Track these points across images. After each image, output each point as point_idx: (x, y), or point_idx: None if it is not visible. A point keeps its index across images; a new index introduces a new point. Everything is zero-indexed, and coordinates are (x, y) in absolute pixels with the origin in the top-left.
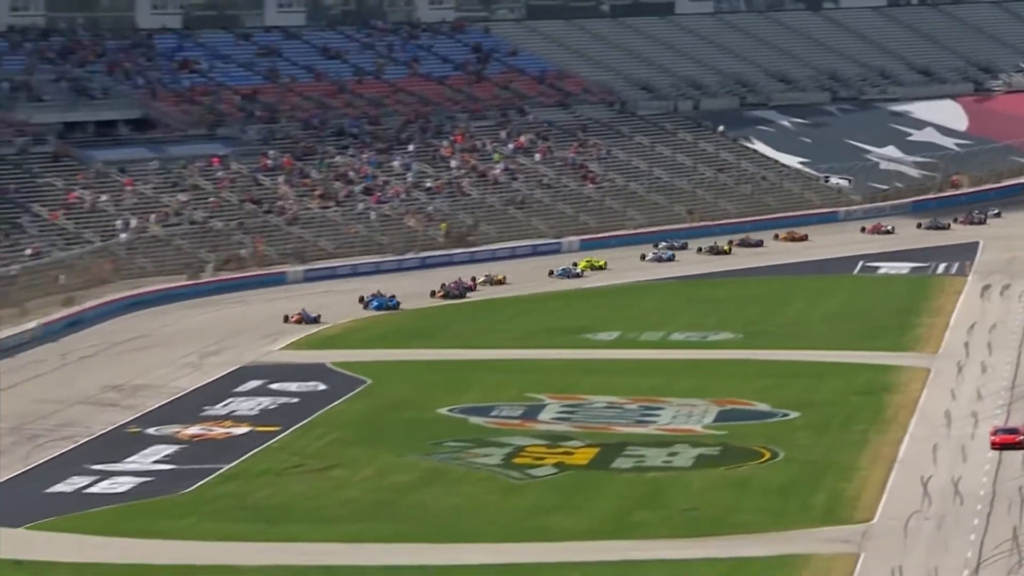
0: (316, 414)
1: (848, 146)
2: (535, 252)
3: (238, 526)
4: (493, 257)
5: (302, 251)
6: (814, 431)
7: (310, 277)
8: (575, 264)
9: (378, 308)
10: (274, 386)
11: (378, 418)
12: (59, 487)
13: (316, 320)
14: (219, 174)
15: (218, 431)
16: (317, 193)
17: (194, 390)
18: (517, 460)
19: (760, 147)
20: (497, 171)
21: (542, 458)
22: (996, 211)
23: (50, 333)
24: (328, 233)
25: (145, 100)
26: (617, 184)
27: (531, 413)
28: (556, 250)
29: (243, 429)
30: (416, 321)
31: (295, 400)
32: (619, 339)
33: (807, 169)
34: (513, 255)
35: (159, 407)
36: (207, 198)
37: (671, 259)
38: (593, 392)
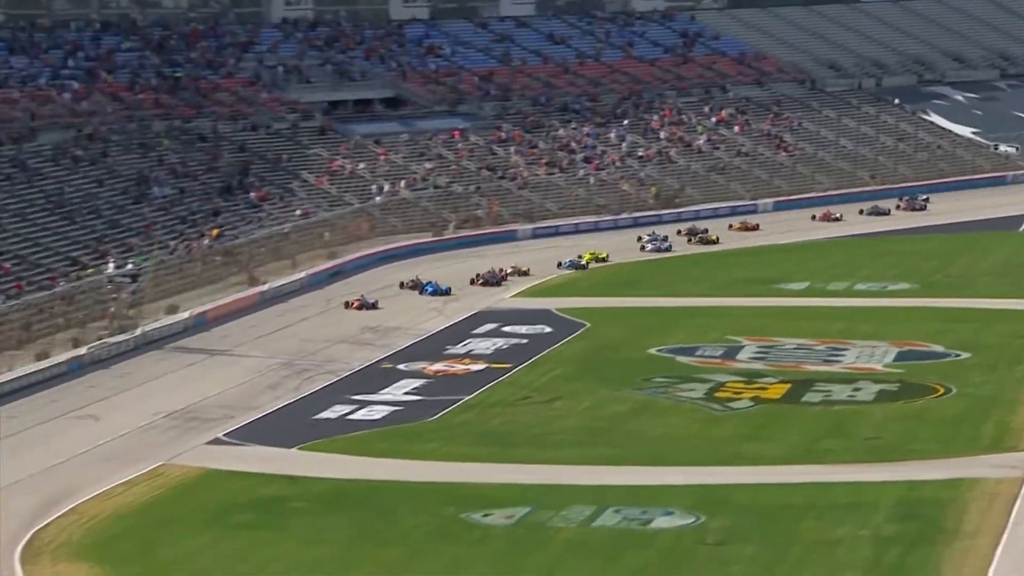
0: (542, 353)
1: (1015, 118)
2: (734, 212)
3: (475, 449)
4: (697, 216)
5: (530, 211)
6: (983, 369)
7: (537, 234)
8: (580, 256)
9: (433, 293)
10: (506, 328)
11: (595, 357)
12: (325, 414)
13: (374, 305)
14: (459, 145)
15: (458, 367)
16: (544, 161)
17: (438, 332)
18: (718, 394)
19: (936, 119)
20: (701, 141)
21: (740, 393)
22: (924, 197)
23: (316, 282)
24: (553, 196)
25: (397, 81)
26: (807, 152)
27: (730, 353)
28: (752, 210)
29: (480, 366)
30: (627, 273)
31: (524, 341)
32: (808, 288)
33: (978, 138)
34: (715, 215)
35: (408, 346)
36: (449, 166)
37: (668, 249)
38: (785, 335)
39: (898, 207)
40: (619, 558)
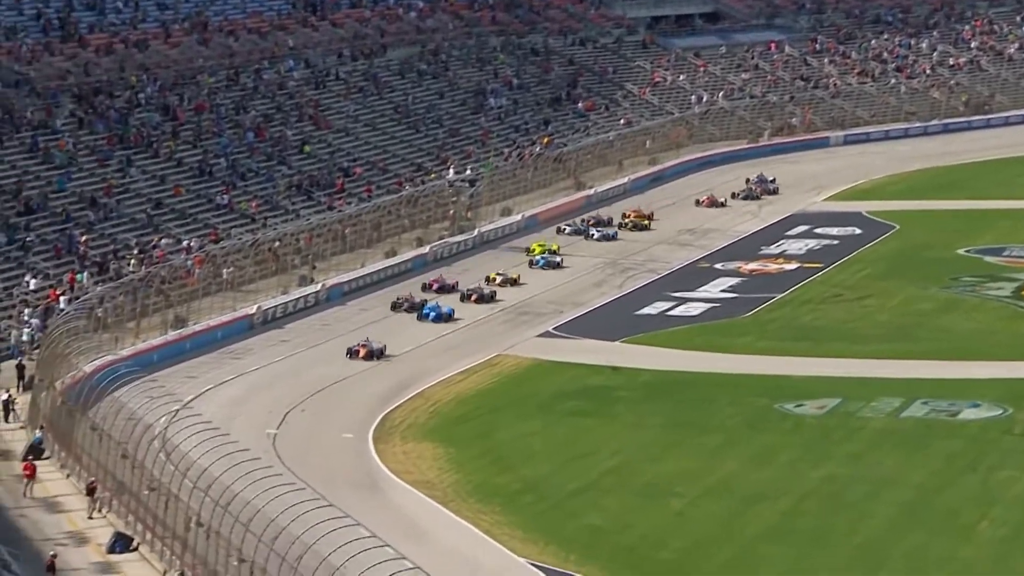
0: (852, 253)
1: None
2: None
3: (787, 344)
4: (1006, 123)
5: (842, 119)
6: None
7: (848, 141)
8: (527, 249)
9: (435, 320)
10: (818, 230)
11: (905, 257)
12: (646, 310)
13: (382, 353)
14: (775, 57)
15: (772, 267)
16: (856, 71)
17: (753, 233)
18: None
19: None
20: (1011, 50)
21: None
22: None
23: (638, 187)
24: (864, 104)
25: None
26: None
27: None
28: None
29: (792, 266)
30: (938, 177)
31: (835, 242)
32: None
33: None
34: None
35: (724, 247)
36: (765, 76)
37: (615, 237)
38: None
39: None
40: (927, 447)
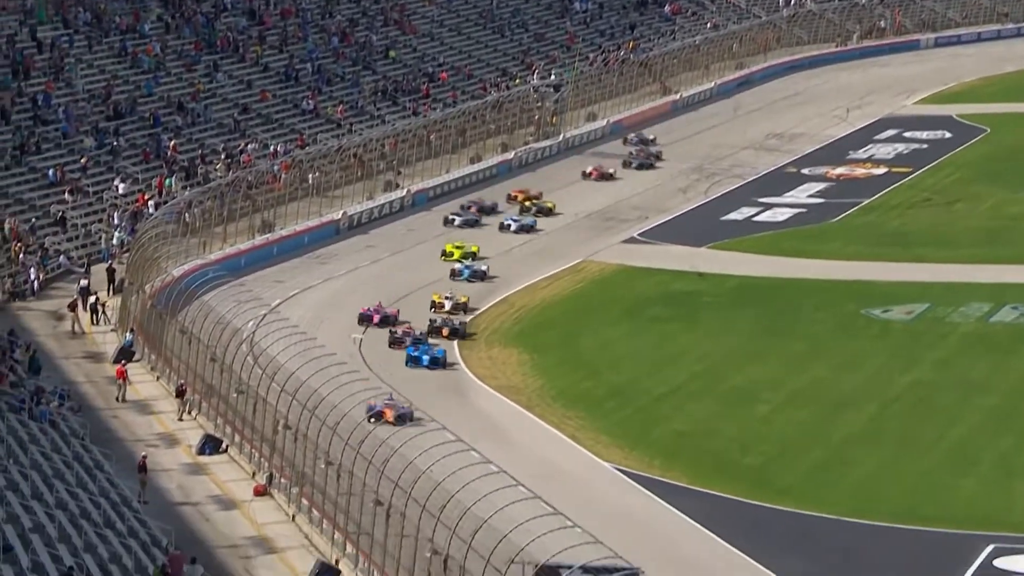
0: (942, 157)
1: None
2: None
3: (875, 249)
4: None
5: (933, 21)
6: None
7: (939, 43)
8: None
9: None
10: (907, 134)
11: (996, 160)
12: (732, 215)
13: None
14: None
15: (860, 171)
16: None
17: (841, 137)
18: None
19: None
20: None
21: None
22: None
23: (724, 91)
24: (956, 5)
25: None
26: None
27: None
28: None
29: (881, 170)
30: None
31: (924, 146)
32: None
33: None
34: None
35: (812, 151)
36: None
37: (531, 226)
38: None
39: None
40: (1017, 352)
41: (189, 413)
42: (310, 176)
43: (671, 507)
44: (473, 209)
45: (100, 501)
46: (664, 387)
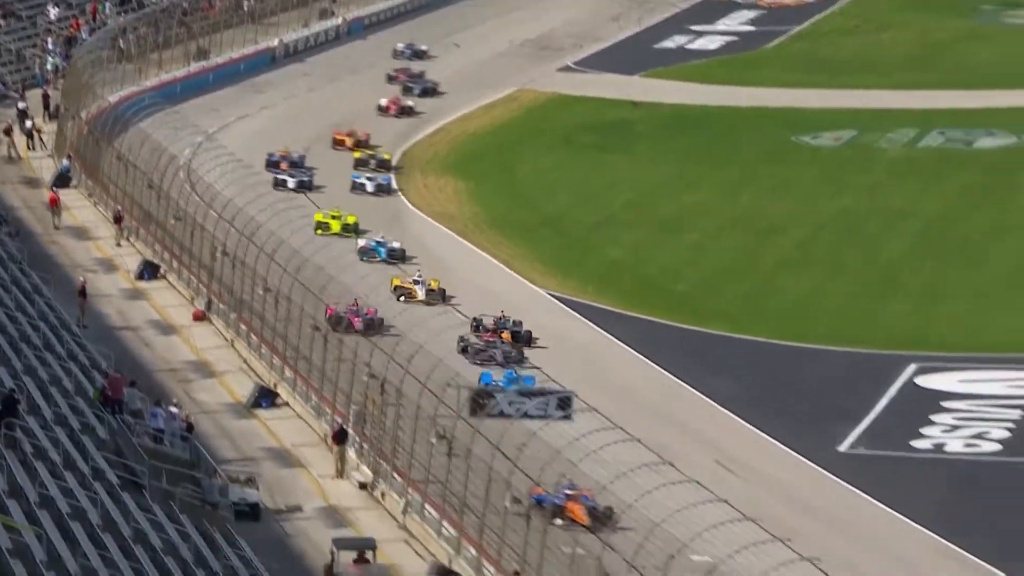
0: None
1: None
2: None
3: (806, 76)
4: None
5: None
6: None
7: None
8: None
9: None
10: None
11: None
12: (665, 43)
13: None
14: None
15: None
16: None
17: None
18: None
19: None
20: None
21: None
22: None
23: None
24: None
25: None
26: None
27: None
28: None
29: None
30: None
31: None
32: None
33: None
34: None
35: None
36: None
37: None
38: None
39: None
40: (943, 177)
41: (127, 239)
42: (245, 3)
43: (604, 332)
44: (284, 165)
45: (39, 325)
46: (598, 215)
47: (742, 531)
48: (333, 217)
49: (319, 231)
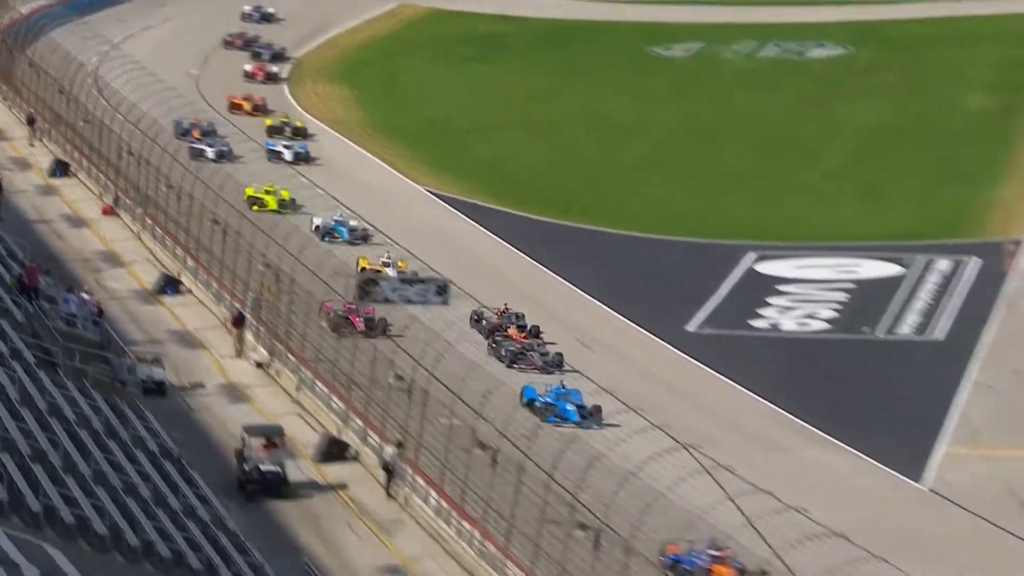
0: None
1: None
2: None
3: None
4: None
5: None
6: None
7: None
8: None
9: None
10: None
11: None
12: None
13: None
14: None
15: None
16: None
17: None
18: None
19: None
20: None
21: None
22: None
23: None
24: None
25: None
26: None
27: None
28: None
29: None
30: None
31: None
32: None
33: None
34: None
35: None
36: None
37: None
38: None
39: None
40: (780, 86)
41: (40, 139)
42: None
43: (478, 225)
44: (196, 134)
45: None
46: (474, 120)
47: (603, 401)
48: (267, 192)
49: (255, 207)
